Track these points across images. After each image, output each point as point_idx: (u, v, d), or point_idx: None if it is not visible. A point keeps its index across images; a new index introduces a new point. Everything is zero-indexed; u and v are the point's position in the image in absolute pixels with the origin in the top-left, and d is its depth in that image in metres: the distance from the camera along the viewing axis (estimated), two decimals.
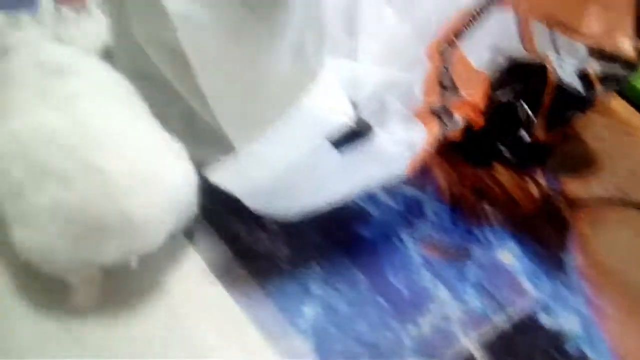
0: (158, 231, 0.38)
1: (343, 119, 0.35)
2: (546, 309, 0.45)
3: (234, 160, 0.36)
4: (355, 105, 0.38)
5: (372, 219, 0.48)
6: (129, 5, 0.45)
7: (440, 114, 0.45)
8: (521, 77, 0.50)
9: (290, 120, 0.35)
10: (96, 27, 0.51)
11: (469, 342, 0.42)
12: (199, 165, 0.40)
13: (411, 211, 0.50)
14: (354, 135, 0.37)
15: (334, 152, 0.38)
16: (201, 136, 0.43)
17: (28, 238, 0.36)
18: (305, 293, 0.43)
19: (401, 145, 0.41)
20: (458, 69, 0.48)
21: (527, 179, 0.55)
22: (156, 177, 0.37)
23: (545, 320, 0.45)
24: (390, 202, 0.50)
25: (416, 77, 0.44)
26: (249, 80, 0.37)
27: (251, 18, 0.35)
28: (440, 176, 0.54)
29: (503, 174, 0.55)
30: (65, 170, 0.36)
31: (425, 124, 0.44)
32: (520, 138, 0.53)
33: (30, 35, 0.45)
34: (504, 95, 0.50)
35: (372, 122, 0.40)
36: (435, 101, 0.46)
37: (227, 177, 0.37)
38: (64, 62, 0.41)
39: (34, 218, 0.36)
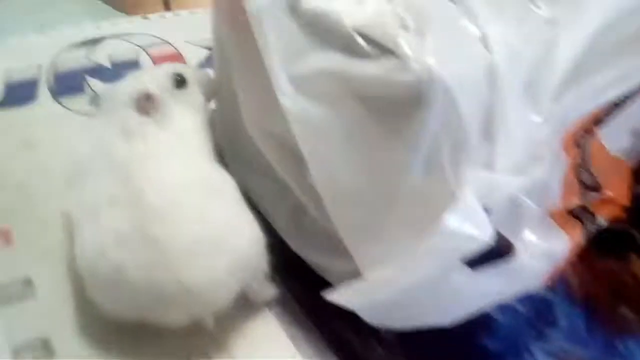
0: (220, 296, 0.38)
1: (483, 241, 0.31)
2: None
3: (359, 284, 0.32)
4: (489, 212, 0.34)
5: (498, 327, 0.43)
6: (239, 96, 0.43)
7: (581, 216, 0.40)
8: None
9: (426, 244, 0.31)
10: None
11: None
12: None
13: (541, 317, 0.44)
14: (492, 256, 0.33)
15: (467, 270, 0.34)
16: (311, 236, 0.40)
17: (99, 298, 0.38)
18: None
19: (541, 260, 0.36)
20: (597, 160, 0.42)
21: None
22: (217, 244, 0.37)
23: None
24: (518, 306, 0.44)
25: (554, 176, 0.39)
26: (372, 191, 0.33)
27: (378, 125, 0.32)
28: (571, 272, 0.48)
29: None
30: (125, 236, 0.37)
31: (565, 229, 0.38)
32: None
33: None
34: None
35: (506, 229, 0.35)
36: (575, 201, 0.40)
37: (347, 297, 0.33)
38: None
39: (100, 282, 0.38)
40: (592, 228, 0.40)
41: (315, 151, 0.34)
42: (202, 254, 0.37)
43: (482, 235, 0.31)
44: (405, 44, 0.31)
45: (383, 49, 0.31)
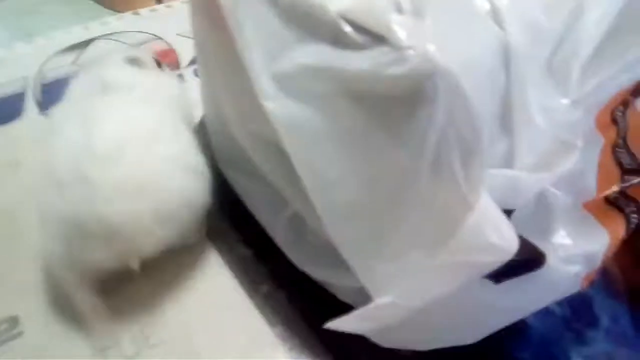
0: (142, 240, 0.39)
1: (507, 252, 0.26)
2: None
3: (368, 309, 0.28)
4: (511, 214, 0.29)
5: (530, 333, 0.38)
6: (222, 98, 0.39)
7: (622, 204, 0.35)
8: None
9: (439, 257, 0.26)
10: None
11: None
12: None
13: (580, 316, 0.40)
14: (519, 267, 0.28)
15: (490, 285, 0.29)
16: (313, 249, 0.36)
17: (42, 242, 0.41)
18: None
19: (576, 263, 0.31)
20: (636, 135, 0.37)
21: None
22: (144, 190, 0.39)
23: None
24: (552, 306, 0.40)
25: (588, 162, 0.34)
26: (375, 201, 0.29)
27: (375, 126, 0.27)
28: (611, 261, 0.43)
29: None
30: (68, 173, 0.40)
31: (604, 222, 0.34)
32: None
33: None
34: None
35: (534, 231, 0.31)
36: (614, 188, 0.35)
37: (356, 324, 0.29)
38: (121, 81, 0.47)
39: (41, 221, 0.40)
40: (635, 218, 0.35)
41: (307, 159, 0.30)
42: (127, 197, 0.39)
43: (505, 245, 0.26)
44: (400, 29, 0.26)
45: (374, 37, 0.26)
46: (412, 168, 0.26)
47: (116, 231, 0.38)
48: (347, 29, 0.27)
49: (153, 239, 0.40)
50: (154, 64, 0.53)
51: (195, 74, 0.64)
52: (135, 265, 0.39)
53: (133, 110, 0.44)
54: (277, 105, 0.30)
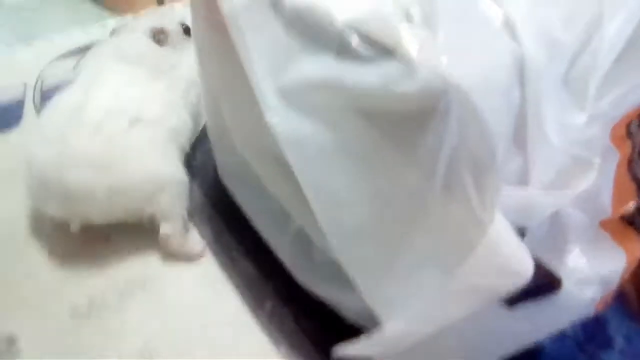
0: (93, 209, 0.42)
1: (522, 276, 0.25)
2: None
3: (378, 336, 0.27)
4: (525, 234, 0.28)
5: (543, 356, 0.37)
6: (223, 107, 0.38)
7: (639, 222, 0.33)
8: None
9: (452, 281, 0.25)
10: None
11: None
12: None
13: (593, 338, 0.38)
14: (534, 292, 0.27)
15: (503, 311, 0.28)
16: (319, 268, 0.35)
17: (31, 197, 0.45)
18: None
19: (592, 285, 0.30)
20: None
21: None
22: (111, 165, 0.42)
23: None
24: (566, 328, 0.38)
25: (604, 178, 0.32)
26: (384, 221, 0.27)
27: (384, 143, 0.26)
28: (627, 281, 0.41)
29: None
30: (49, 133, 0.43)
31: (621, 242, 0.32)
32: None
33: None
34: None
35: (549, 251, 0.29)
36: (630, 205, 0.34)
37: (366, 349, 0.28)
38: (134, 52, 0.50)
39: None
40: None
41: (313, 176, 0.28)
42: (91, 168, 0.42)
43: (521, 269, 0.25)
44: (410, 41, 0.25)
45: (383, 50, 0.25)
46: (423, 187, 0.25)
47: (69, 195, 0.42)
48: (355, 39, 0.26)
49: (102, 211, 0.43)
50: (181, 33, 0.54)
51: None
52: (75, 228, 0.43)
53: (133, 84, 0.47)
54: (282, 119, 0.29)
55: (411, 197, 0.26)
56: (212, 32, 0.35)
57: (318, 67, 0.27)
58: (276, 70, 0.29)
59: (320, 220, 0.29)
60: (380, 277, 0.28)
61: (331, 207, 0.29)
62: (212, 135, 0.45)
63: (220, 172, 0.44)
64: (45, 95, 0.62)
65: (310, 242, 0.34)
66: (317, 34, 0.28)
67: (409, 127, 0.25)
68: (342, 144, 0.27)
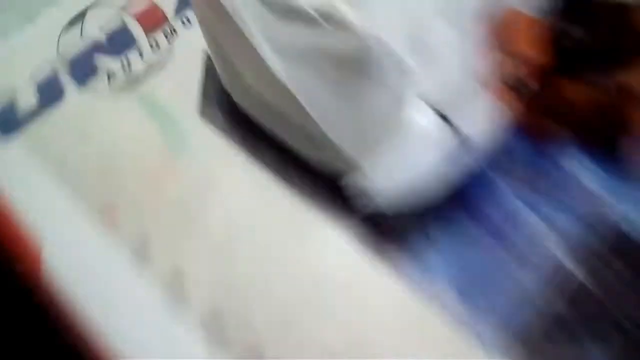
0: None
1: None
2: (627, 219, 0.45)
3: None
4: None
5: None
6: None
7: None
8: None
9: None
10: None
11: (565, 258, 0.45)
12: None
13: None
14: None
15: None
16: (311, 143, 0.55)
17: None
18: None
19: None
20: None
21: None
22: None
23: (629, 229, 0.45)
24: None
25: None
26: (354, 115, 0.49)
27: (347, 78, 0.47)
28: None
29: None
30: None
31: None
32: None
33: None
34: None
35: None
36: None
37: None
38: None
39: None
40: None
41: (308, 98, 0.49)
42: None
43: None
44: (348, 14, 0.43)
45: (333, 21, 0.44)
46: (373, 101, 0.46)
47: None
48: (316, 16, 0.45)
49: None
50: None
51: (183, 22, 0.71)
52: None
53: None
54: (281, 68, 0.48)
55: (369, 106, 0.47)
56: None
57: (298, 34, 0.46)
58: (270, 39, 0.48)
59: (317, 119, 0.50)
60: (361, 146, 0.49)
61: (323, 112, 0.49)
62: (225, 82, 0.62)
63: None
64: (74, 65, 0.71)
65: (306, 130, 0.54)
66: (293, 14, 0.46)
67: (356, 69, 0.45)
68: (322, 78, 0.47)
